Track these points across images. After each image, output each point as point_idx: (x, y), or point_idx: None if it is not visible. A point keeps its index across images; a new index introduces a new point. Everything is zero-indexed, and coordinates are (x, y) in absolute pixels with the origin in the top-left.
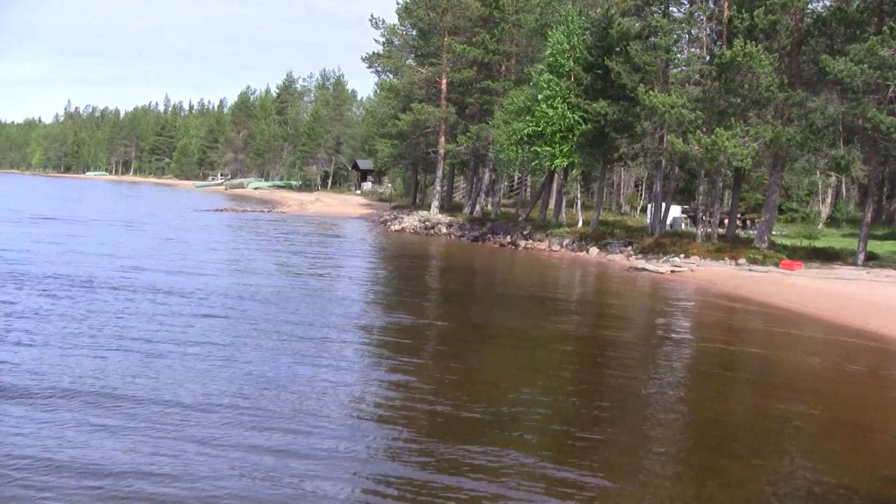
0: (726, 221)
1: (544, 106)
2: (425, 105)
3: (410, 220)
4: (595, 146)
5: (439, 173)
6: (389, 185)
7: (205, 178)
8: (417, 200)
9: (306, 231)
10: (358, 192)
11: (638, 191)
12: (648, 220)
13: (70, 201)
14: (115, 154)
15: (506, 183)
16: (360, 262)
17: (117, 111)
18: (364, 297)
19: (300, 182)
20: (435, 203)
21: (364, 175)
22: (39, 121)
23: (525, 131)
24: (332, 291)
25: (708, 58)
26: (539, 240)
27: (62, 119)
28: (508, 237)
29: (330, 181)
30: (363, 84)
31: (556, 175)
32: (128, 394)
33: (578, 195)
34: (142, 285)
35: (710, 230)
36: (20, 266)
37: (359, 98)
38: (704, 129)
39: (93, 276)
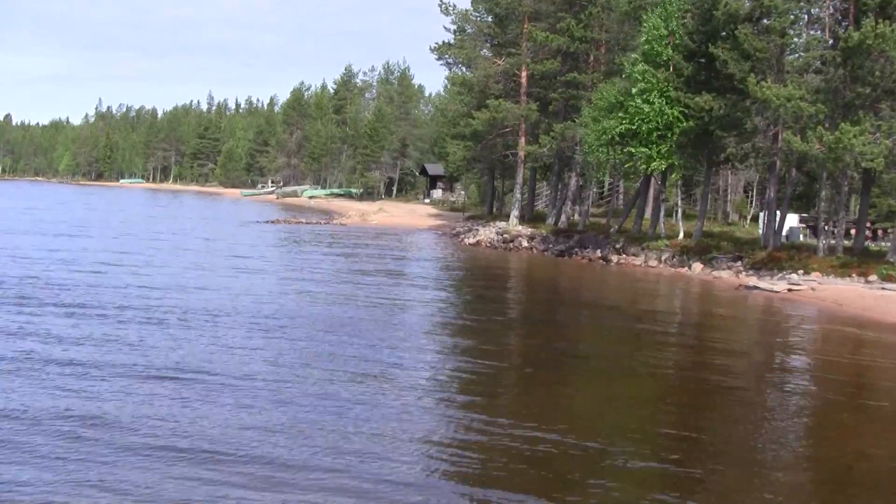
0: (853, 232)
1: (639, 101)
2: (503, 101)
3: (486, 233)
4: (698, 146)
5: (519, 179)
6: (462, 192)
7: (253, 185)
8: (494, 210)
9: (369, 245)
10: (426, 200)
11: (748, 197)
12: (761, 231)
13: (104, 213)
14: (153, 159)
15: (595, 189)
16: (431, 280)
17: (154, 111)
18: (437, 322)
19: (361, 190)
20: (514, 213)
21: (433, 181)
22: (67, 122)
23: (617, 130)
24: (402, 314)
25: (831, 41)
26: (633, 254)
27: (92, 120)
28: (598, 251)
29: (395, 188)
30: (432, 78)
31: (652, 180)
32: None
33: (679, 203)
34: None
35: (833, 242)
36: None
37: (427, 94)
38: (827, 125)
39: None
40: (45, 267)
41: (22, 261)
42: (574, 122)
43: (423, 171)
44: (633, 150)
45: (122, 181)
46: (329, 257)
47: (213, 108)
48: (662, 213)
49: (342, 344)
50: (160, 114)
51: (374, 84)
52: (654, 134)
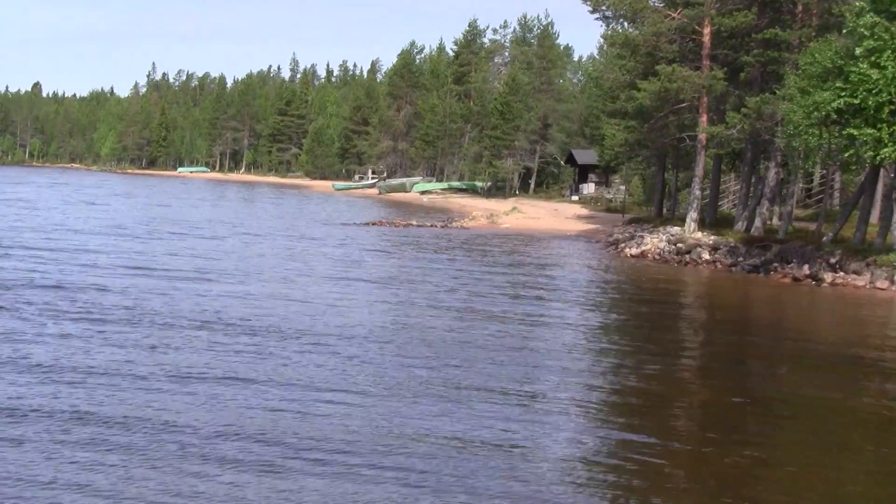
0: None
1: (865, 65)
2: (678, 67)
3: (655, 242)
4: None
5: (698, 171)
6: (622, 187)
7: (349, 176)
8: (665, 211)
9: (498, 255)
10: (574, 197)
11: None
12: None
13: (159, 208)
14: (220, 142)
15: (801, 185)
16: (585, 301)
17: (222, 79)
18: (601, 356)
19: (488, 183)
20: (691, 215)
21: (584, 173)
22: (111, 94)
23: (833, 105)
24: (545, 345)
25: None
26: (855, 272)
27: (143, 91)
28: (806, 267)
29: (533, 182)
30: (583, 37)
31: (882, 172)
32: None
33: None
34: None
35: None
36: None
37: (576, 58)
38: None
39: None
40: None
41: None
42: (774, 94)
43: (571, 160)
44: (854, 132)
45: (180, 170)
46: (446, 269)
47: (298, 76)
48: None
49: (495, 372)
50: (229, 83)
51: (507, 45)
52: (886, 110)
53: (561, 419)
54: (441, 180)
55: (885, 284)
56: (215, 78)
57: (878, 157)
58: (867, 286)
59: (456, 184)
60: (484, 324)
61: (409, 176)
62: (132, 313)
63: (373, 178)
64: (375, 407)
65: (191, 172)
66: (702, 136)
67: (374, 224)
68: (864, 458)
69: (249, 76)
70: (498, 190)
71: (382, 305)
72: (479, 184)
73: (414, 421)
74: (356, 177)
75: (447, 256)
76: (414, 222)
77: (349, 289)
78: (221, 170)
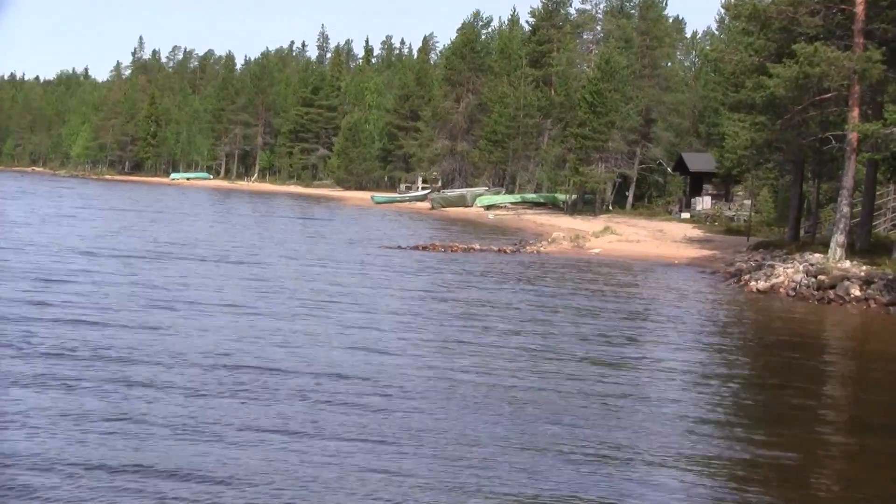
0: None
1: None
2: (821, 46)
3: (789, 273)
4: None
5: (847, 181)
6: (747, 202)
7: (393, 185)
8: (803, 234)
9: (586, 289)
10: (685, 215)
11: None
12: None
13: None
14: (226, 140)
15: None
16: (695, 353)
17: (230, 59)
18: (727, 439)
19: (573, 196)
20: (837, 238)
21: (697, 183)
22: (86, 76)
23: None
24: (647, 422)
25: None
26: None
27: (127, 73)
28: None
29: (631, 194)
30: (698, 8)
31: None
32: None
33: None
34: None
35: None
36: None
37: (689, 35)
38: None
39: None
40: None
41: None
42: None
43: (680, 166)
44: None
45: (173, 176)
46: (516, 309)
47: (328, 55)
48: None
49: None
50: (239, 64)
51: (599, 17)
52: None
53: None
54: (512, 192)
55: None
56: (221, 57)
57: None
58: None
59: (531, 196)
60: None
61: (471, 186)
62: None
63: (424, 189)
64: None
65: (188, 179)
66: (852, 136)
67: (423, 248)
68: None
69: (265, 55)
70: (586, 205)
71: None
72: (560, 196)
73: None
74: (402, 186)
75: (513, 285)
76: (476, 246)
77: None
78: (228, 176)
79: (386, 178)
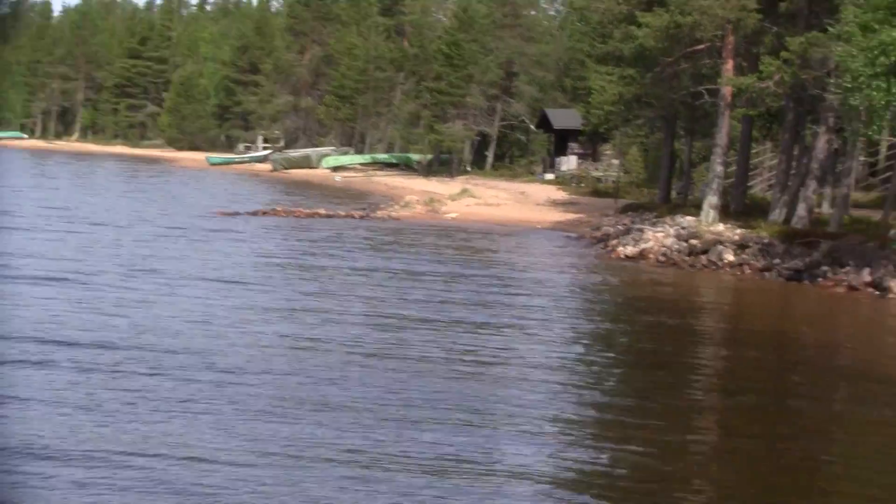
0: None
1: None
2: None
3: (658, 237)
4: None
5: (721, 139)
6: (615, 162)
7: (231, 145)
8: (674, 195)
9: (440, 257)
10: (549, 175)
11: None
12: None
13: None
14: (42, 95)
15: (862, 159)
16: (558, 328)
17: (47, 7)
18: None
19: (429, 156)
20: (710, 201)
21: (562, 142)
22: None
23: None
24: (511, 403)
25: None
26: None
27: None
28: (867, 272)
29: (491, 154)
30: None
31: None
32: None
33: None
34: None
35: None
36: None
37: None
38: None
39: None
40: None
41: None
42: (826, 32)
43: (544, 123)
44: None
45: None
46: (365, 282)
47: (157, 2)
48: None
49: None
50: (57, 12)
51: None
52: None
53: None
54: (361, 152)
55: None
56: (35, 3)
57: None
58: None
59: (382, 157)
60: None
61: (317, 145)
62: None
63: (265, 149)
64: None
65: None
66: (726, 91)
67: (263, 213)
68: None
69: (86, 2)
70: (442, 166)
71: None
72: (415, 157)
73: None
74: (240, 146)
75: (361, 255)
76: (322, 211)
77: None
78: (45, 135)
79: (223, 138)
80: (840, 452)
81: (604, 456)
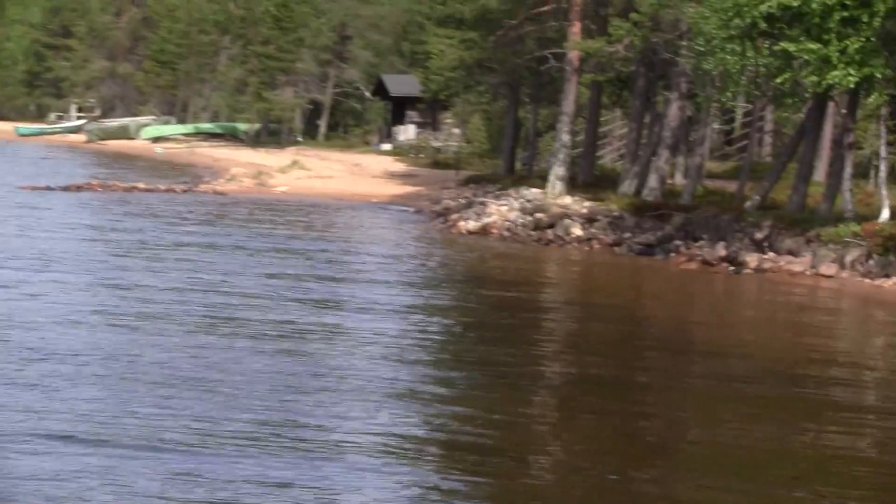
0: None
1: None
2: None
3: (502, 211)
4: None
5: (568, 106)
6: (456, 131)
7: (41, 115)
8: (519, 166)
9: (269, 234)
10: (386, 146)
11: None
12: None
13: None
14: None
15: (715, 127)
16: (392, 308)
17: None
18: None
19: (257, 126)
20: (557, 172)
21: (400, 110)
22: None
23: (762, 8)
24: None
25: None
26: (790, 252)
27: None
28: (721, 246)
29: (323, 124)
30: None
31: (829, 108)
32: None
33: (883, 152)
34: None
35: None
36: None
37: None
38: None
39: None
40: None
41: None
42: None
43: (381, 90)
44: (792, 49)
45: None
46: (181, 257)
47: None
48: (849, 174)
49: None
50: None
51: None
52: (836, 16)
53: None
54: (184, 121)
55: (833, 269)
56: None
57: (823, 84)
58: (807, 272)
59: (207, 126)
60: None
61: (135, 115)
62: None
63: (79, 119)
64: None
65: None
66: (573, 55)
67: (77, 188)
68: None
69: None
70: (271, 136)
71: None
72: (242, 127)
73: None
74: (52, 116)
75: (181, 232)
76: (141, 185)
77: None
78: None
79: (33, 107)
80: (686, 427)
81: (440, 428)
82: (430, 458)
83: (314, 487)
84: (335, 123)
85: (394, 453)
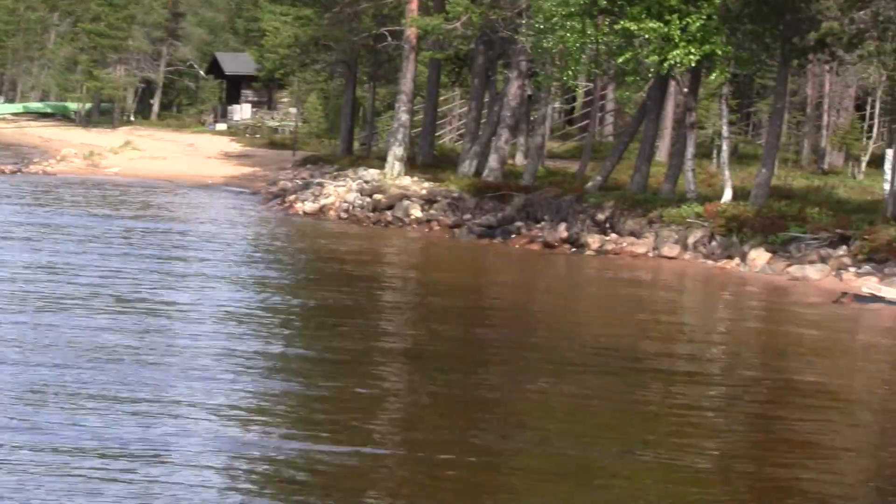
0: None
1: None
2: None
3: (340, 192)
4: (763, 19)
5: (406, 85)
6: (293, 110)
7: None
8: (357, 146)
9: (99, 218)
10: (221, 125)
11: (864, 123)
12: (887, 188)
13: None
14: None
15: (556, 105)
16: (220, 297)
17: None
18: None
19: (87, 105)
20: (396, 152)
21: (235, 89)
22: None
23: None
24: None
25: None
26: (633, 233)
27: None
28: (562, 227)
29: (156, 103)
30: None
31: (671, 86)
32: None
33: (725, 132)
34: None
35: None
36: None
37: None
38: None
39: None
40: None
41: None
42: None
43: (215, 69)
44: (633, 27)
45: None
46: (10, 242)
47: None
48: (692, 154)
49: None
50: None
51: None
52: None
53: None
54: (13, 100)
55: (675, 250)
56: None
57: (665, 64)
58: (649, 253)
59: (36, 106)
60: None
61: None
62: None
63: None
64: None
65: None
66: (411, 33)
67: None
68: None
69: None
70: (103, 115)
71: None
72: (72, 106)
73: None
74: None
75: (10, 216)
76: None
77: None
78: None
79: None
80: (521, 405)
81: (272, 401)
82: (260, 426)
83: (145, 440)
84: (169, 103)
85: (224, 420)
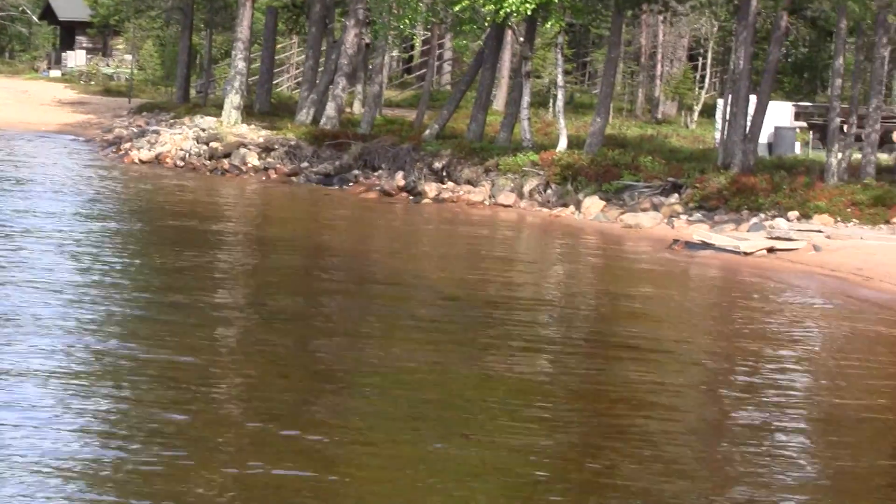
0: None
1: None
2: None
3: (176, 140)
4: None
5: (243, 32)
6: (128, 57)
7: None
8: (194, 94)
9: None
10: (55, 71)
11: (696, 71)
12: (718, 137)
13: None
14: None
15: (394, 54)
16: (43, 245)
17: None
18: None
19: None
20: (232, 100)
21: (69, 35)
22: None
23: None
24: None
25: None
26: (469, 181)
27: None
28: (400, 176)
29: None
30: None
31: (507, 34)
32: None
33: (560, 81)
34: None
35: (860, 157)
36: None
37: None
38: None
39: None
40: None
41: None
42: None
43: (49, 15)
44: None
45: None
46: None
47: None
48: (527, 103)
49: None
50: None
51: None
52: None
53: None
54: None
55: (511, 198)
56: None
57: (501, 12)
58: (485, 202)
59: None
60: None
61: None
62: None
63: None
64: None
65: None
66: None
67: None
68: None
69: None
70: None
71: None
72: None
73: None
74: None
75: None
76: None
77: None
78: None
79: None
80: (361, 358)
81: (111, 363)
82: (104, 388)
83: None
84: (1, 49)
85: (63, 381)
